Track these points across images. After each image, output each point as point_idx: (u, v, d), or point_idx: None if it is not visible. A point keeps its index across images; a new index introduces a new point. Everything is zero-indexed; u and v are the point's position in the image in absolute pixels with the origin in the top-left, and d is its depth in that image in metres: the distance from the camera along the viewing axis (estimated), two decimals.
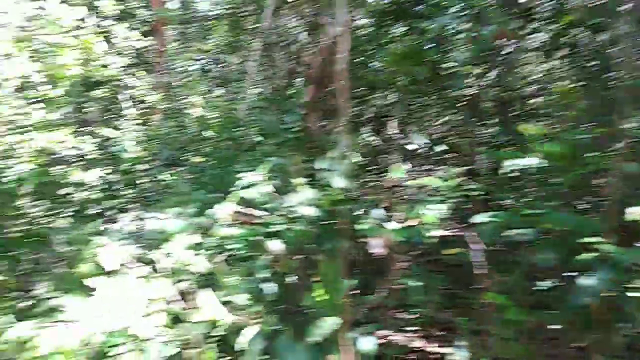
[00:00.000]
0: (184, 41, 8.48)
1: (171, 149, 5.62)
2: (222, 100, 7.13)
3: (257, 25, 7.31)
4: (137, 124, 6.28)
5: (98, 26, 5.85)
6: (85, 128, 6.17)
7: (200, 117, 5.99)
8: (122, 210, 4.13)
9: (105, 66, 5.56)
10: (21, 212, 3.82)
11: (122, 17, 7.02)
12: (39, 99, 5.16)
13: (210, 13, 7.75)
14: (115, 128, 6.18)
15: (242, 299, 2.15)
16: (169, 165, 5.63)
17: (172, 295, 2.42)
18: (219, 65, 7.82)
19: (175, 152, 5.71)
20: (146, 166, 5.23)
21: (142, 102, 6.64)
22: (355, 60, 4.04)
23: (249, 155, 2.72)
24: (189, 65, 8.08)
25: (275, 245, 1.87)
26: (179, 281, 2.46)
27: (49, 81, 4.95)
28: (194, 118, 6.17)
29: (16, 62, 5.06)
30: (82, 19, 5.80)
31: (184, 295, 2.41)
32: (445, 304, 2.69)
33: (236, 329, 2.17)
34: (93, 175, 5.26)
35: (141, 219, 2.94)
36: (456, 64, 3.09)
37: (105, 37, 5.69)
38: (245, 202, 2.12)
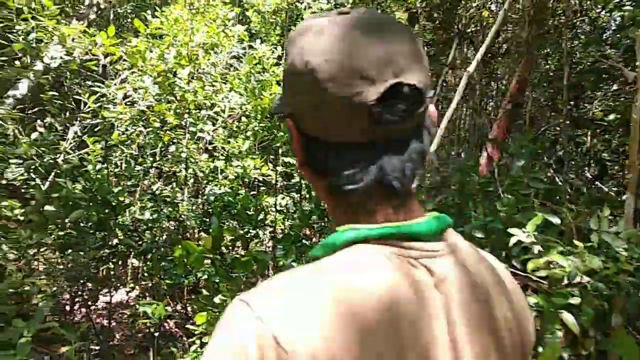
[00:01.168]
0: None
1: None
2: None
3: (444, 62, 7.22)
4: None
5: None
6: (272, 157, 6.67)
7: None
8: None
9: None
10: (235, 235, 4.15)
11: None
12: (244, 129, 5.69)
13: None
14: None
15: None
16: None
17: None
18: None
19: None
20: None
21: None
22: None
23: (484, 205, 2.57)
24: None
25: (570, 320, 1.67)
26: None
27: (254, 113, 5.43)
28: None
29: (227, 96, 5.68)
30: (280, 57, 6.33)
31: None
32: None
33: None
34: (284, 202, 5.60)
35: None
36: None
37: None
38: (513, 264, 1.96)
